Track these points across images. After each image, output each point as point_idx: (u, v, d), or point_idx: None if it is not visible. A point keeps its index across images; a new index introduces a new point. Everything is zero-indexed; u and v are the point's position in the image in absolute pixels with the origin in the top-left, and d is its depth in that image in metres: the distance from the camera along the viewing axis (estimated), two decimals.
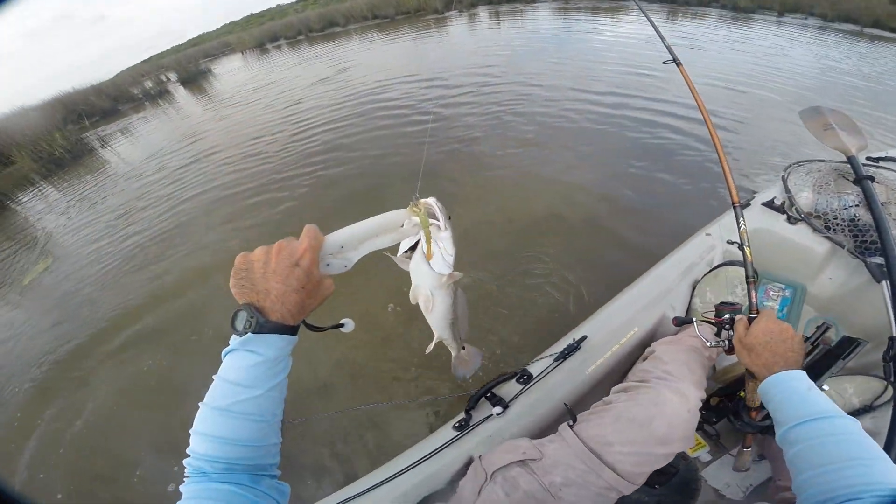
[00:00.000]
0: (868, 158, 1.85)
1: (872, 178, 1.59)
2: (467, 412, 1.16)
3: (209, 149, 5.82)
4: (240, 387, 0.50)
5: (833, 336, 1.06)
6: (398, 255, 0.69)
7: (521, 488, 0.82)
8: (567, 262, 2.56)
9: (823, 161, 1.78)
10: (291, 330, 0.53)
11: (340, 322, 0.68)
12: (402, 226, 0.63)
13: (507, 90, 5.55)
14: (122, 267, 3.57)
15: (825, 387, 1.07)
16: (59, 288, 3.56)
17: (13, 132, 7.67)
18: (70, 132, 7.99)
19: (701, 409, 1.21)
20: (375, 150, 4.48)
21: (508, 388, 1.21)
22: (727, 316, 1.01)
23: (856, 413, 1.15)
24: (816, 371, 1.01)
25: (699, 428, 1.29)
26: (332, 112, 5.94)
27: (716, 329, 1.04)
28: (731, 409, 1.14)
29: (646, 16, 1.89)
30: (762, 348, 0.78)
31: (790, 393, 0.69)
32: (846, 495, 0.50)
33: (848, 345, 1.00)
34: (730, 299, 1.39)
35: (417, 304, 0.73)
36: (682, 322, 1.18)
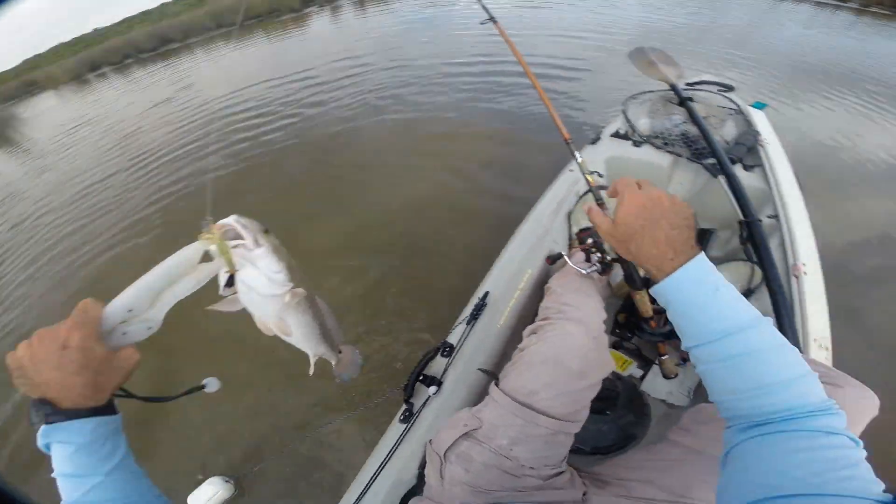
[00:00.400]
0: (687, 84, 2.20)
1: (692, 99, 1.93)
2: (407, 401, 1.13)
3: (31, 213, 4.69)
4: (76, 478, 0.48)
5: None
6: (220, 292, 0.59)
7: (476, 460, 0.80)
8: (463, 230, 2.63)
9: (652, 91, 2.08)
10: (97, 411, 0.50)
11: (200, 384, 0.63)
12: (201, 261, 0.57)
13: (378, 76, 5.48)
14: None
15: None
16: None
17: None
18: None
19: (615, 329, 1.26)
20: (236, 165, 4.07)
21: (437, 366, 1.20)
22: (589, 241, 1.06)
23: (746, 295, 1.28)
24: None
25: (619, 346, 1.36)
26: (178, 136, 5.25)
27: (585, 255, 1.09)
28: (633, 323, 1.19)
29: None
30: (641, 237, 0.56)
31: (688, 305, 0.53)
32: (761, 420, 0.47)
33: (702, 235, 1.14)
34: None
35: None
36: (555, 259, 1.21)
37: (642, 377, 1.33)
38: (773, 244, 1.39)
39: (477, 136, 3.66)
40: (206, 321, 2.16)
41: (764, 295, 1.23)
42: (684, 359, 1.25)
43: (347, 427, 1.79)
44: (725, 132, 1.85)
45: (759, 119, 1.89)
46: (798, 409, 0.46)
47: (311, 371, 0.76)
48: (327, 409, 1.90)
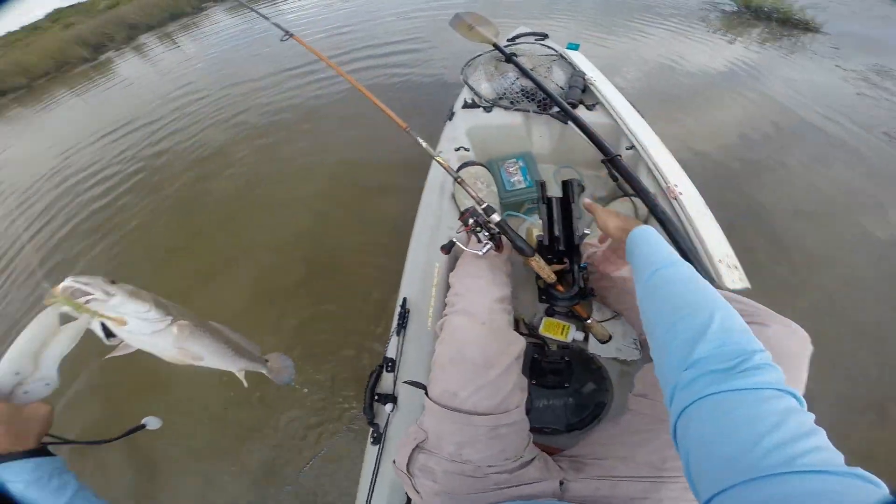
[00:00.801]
0: (507, 40, 2.30)
1: (515, 55, 2.00)
2: (371, 423, 1.11)
3: None
4: None
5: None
6: (105, 342, 0.63)
7: (437, 470, 0.80)
8: (362, 237, 2.56)
9: (480, 55, 2.13)
10: (31, 454, 0.56)
11: (140, 423, 0.67)
12: (62, 323, 0.61)
13: (215, 102, 5.04)
14: None
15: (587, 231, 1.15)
16: None
17: None
18: None
19: (541, 297, 1.19)
20: (102, 241, 3.50)
21: (387, 382, 1.17)
22: (471, 221, 1.04)
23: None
24: (567, 224, 1.11)
25: (552, 314, 1.31)
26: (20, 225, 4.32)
27: (474, 236, 1.07)
28: (545, 291, 1.15)
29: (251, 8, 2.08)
30: (618, 222, 0.87)
31: (644, 243, 0.74)
32: (697, 373, 0.47)
33: (568, 187, 1.12)
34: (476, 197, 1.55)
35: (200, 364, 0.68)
36: (449, 248, 1.18)
37: (585, 339, 1.28)
38: (643, 175, 1.45)
39: (333, 145, 3.54)
40: (132, 364, 1.87)
41: (656, 225, 1.22)
42: (616, 313, 1.25)
43: (322, 465, 1.71)
44: (555, 78, 1.96)
45: (580, 59, 2.03)
46: (732, 356, 0.46)
47: (245, 384, 0.78)
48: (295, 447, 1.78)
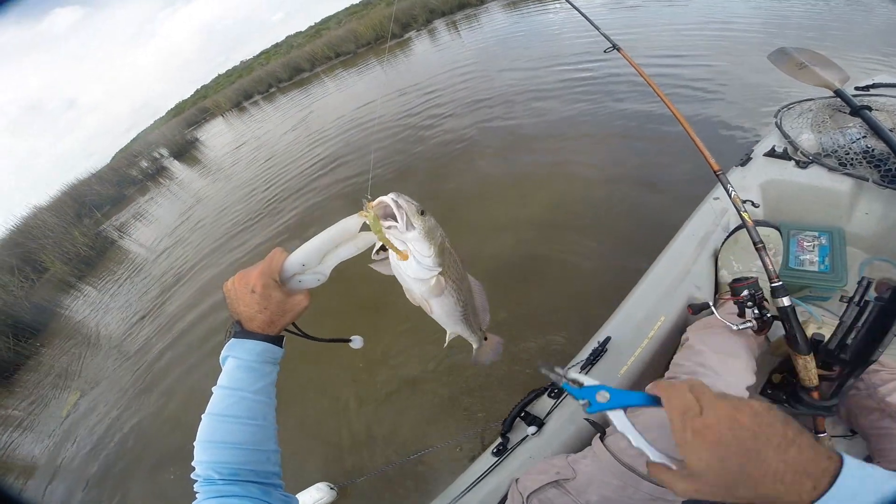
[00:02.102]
0: (856, 88, 1.82)
1: (869, 108, 1.55)
2: (503, 435, 1.12)
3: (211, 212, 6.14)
4: (228, 389, 0.58)
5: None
6: (374, 254, 0.65)
7: None
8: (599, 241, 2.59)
9: (811, 99, 1.76)
10: (268, 340, 0.61)
11: (348, 337, 0.70)
12: (359, 231, 0.63)
13: (491, 88, 5.76)
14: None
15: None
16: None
17: (37, 235, 7.90)
18: (87, 227, 8.24)
19: (765, 391, 1.02)
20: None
21: (541, 405, 1.15)
22: (745, 293, 0.94)
23: None
24: (872, 337, 0.84)
25: None
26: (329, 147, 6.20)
27: (738, 309, 0.95)
28: (790, 387, 0.99)
29: (579, 11, 1.80)
30: (749, 478, 0.39)
31: None
32: None
33: None
34: (754, 266, 1.29)
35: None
36: (699, 309, 1.06)
37: None
38: None
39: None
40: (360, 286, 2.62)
41: None
42: (852, 430, 1.04)
43: (442, 450, 1.86)
44: None
45: None
46: None
47: (445, 344, 0.78)
48: (430, 423, 2.05)
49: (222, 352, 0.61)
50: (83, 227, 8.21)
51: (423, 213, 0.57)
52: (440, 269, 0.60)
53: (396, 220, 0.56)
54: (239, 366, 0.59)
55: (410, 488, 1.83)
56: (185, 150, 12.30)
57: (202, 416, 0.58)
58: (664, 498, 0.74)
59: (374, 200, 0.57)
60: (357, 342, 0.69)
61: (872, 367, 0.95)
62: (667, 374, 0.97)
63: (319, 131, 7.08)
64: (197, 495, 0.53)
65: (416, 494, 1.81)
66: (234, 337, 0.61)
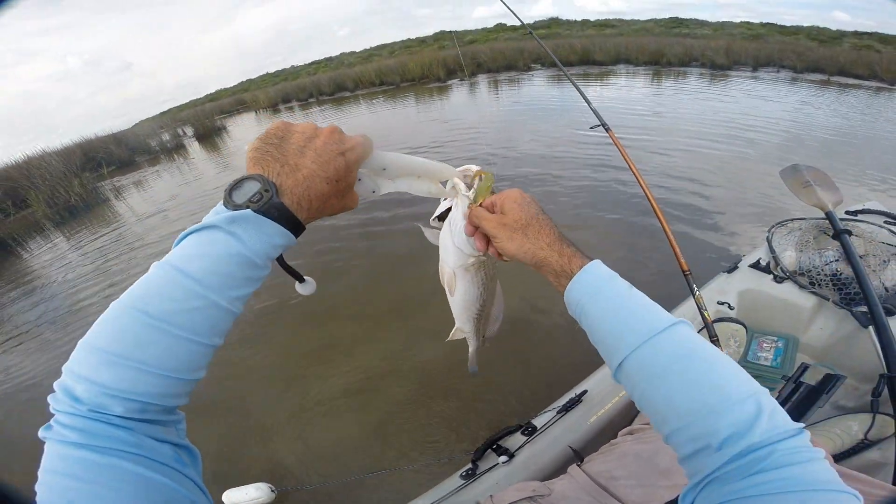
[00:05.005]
0: (847, 212, 1.97)
1: (850, 233, 1.69)
2: (474, 462, 1.20)
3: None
4: (199, 285, 0.37)
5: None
6: (430, 220, 0.66)
7: None
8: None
9: (804, 219, 1.89)
10: (295, 227, 0.43)
11: (303, 277, 0.56)
12: (444, 183, 0.60)
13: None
14: None
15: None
16: None
17: (33, 175, 7.88)
18: (88, 179, 8.24)
19: None
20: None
21: (514, 440, 1.25)
22: None
23: (864, 447, 1.18)
24: (802, 409, 1.07)
25: None
26: None
27: None
28: None
29: (573, 83, 1.83)
30: (531, 229, 0.54)
31: (607, 304, 0.48)
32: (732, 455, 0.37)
33: (828, 381, 1.08)
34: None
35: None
36: None
37: None
38: None
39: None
40: None
41: (888, 446, 1.13)
42: None
43: (403, 475, 1.85)
44: (887, 276, 1.58)
45: None
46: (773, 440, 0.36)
47: (449, 338, 0.76)
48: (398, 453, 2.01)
49: (209, 218, 0.40)
50: (84, 178, 8.21)
51: (492, 191, 0.60)
52: (483, 256, 0.61)
53: (466, 193, 0.58)
54: (236, 255, 0.38)
55: None
56: (209, 135, 12.52)
57: (114, 303, 0.37)
58: None
59: (469, 167, 0.60)
60: (308, 286, 0.57)
61: None
62: (636, 421, 1.08)
63: None
64: (60, 427, 0.33)
65: None
66: (261, 205, 0.40)
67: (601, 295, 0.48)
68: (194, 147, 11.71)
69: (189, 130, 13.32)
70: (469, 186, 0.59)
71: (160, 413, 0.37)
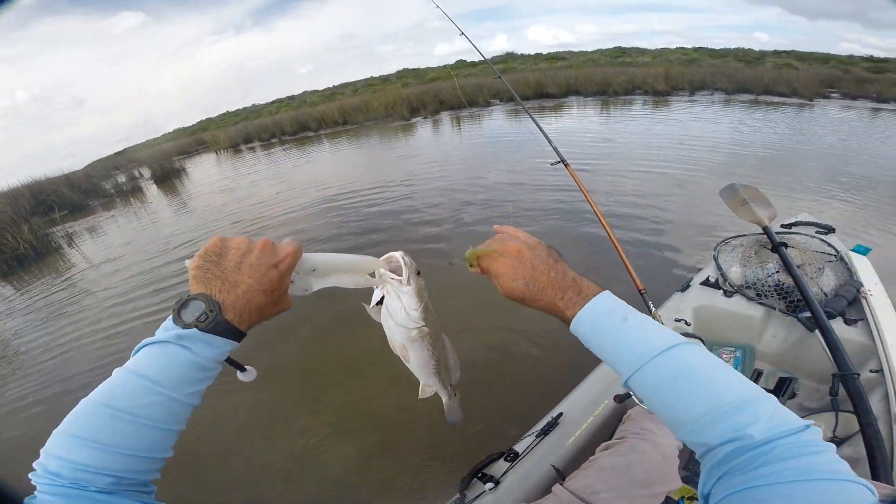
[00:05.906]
0: (782, 225, 2.13)
1: (786, 245, 1.83)
2: (461, 492, 1.22)
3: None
4: (157, 385, 0.43)
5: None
6: (370, 306, 0.70)
7: None
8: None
9: (745, 235, 2.05)
10: (239, 336, 0.49)
11: (244, 366, 0.59)
12: (371, 274, 0.65)
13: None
14: None
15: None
16: None
17: None
18: (38, 225, 7.63)
19: (689, 465, 1.28)
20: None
21: (498, 468, 1.29)
22: None
23: (835, 444, 1.23)
24: None
25: (690, 481, 1.29)
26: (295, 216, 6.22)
27: None
28: None
29: (534, 122, 1.87)
30: (538, 292, 0.57)
31: (603, 336, 0.53)
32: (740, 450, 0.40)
33: (783, 383, 1.17)
34: None
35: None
36: (622, 399, 1.35)
37: None
38: (875, 399, 1.31)
39: None
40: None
41: (857, 442, 1.18)
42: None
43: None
44: (824, 282, 1.74)
45: (862, 266, 1.78)
46: (778, 432, 0.38)
47: (420, 396, 0.80)
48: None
49: (161, 333, 0.45)
50: (34, 223, 7.62)
51: (419, 273, 0.65)
52: (423, 324, 0.66)
53: (400, 276, 0.63)
54: (190, 363, 0.44)
55: None
56: (168, 177, 12.02)
57: (84, 401, 0.42)
58: None
59: (390, 255, 0.64)
60: (249, 373, 0.60)
61: None
62: (614, 437, 1.14)
63: (301, 201, 6.83)
64: (44, 496, 0.38)
65: None
66: (207, 325, 0.45)
67: (599, 330, 0.53)
68: (152, 190, 11.21)
69: (146, 172, 12.75)
70: (393, 270, 0.63)
71: (135, 486, 0.43)
